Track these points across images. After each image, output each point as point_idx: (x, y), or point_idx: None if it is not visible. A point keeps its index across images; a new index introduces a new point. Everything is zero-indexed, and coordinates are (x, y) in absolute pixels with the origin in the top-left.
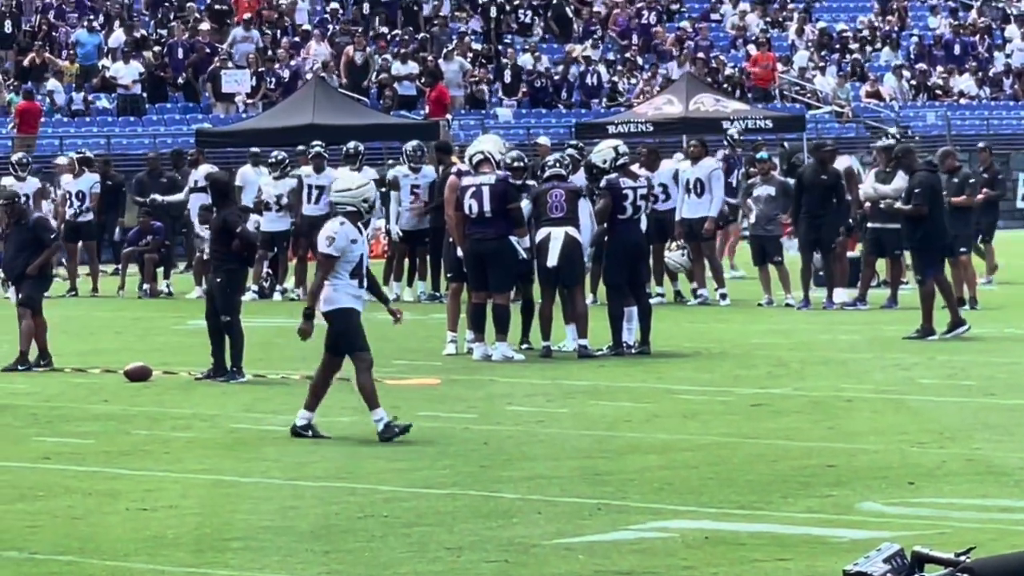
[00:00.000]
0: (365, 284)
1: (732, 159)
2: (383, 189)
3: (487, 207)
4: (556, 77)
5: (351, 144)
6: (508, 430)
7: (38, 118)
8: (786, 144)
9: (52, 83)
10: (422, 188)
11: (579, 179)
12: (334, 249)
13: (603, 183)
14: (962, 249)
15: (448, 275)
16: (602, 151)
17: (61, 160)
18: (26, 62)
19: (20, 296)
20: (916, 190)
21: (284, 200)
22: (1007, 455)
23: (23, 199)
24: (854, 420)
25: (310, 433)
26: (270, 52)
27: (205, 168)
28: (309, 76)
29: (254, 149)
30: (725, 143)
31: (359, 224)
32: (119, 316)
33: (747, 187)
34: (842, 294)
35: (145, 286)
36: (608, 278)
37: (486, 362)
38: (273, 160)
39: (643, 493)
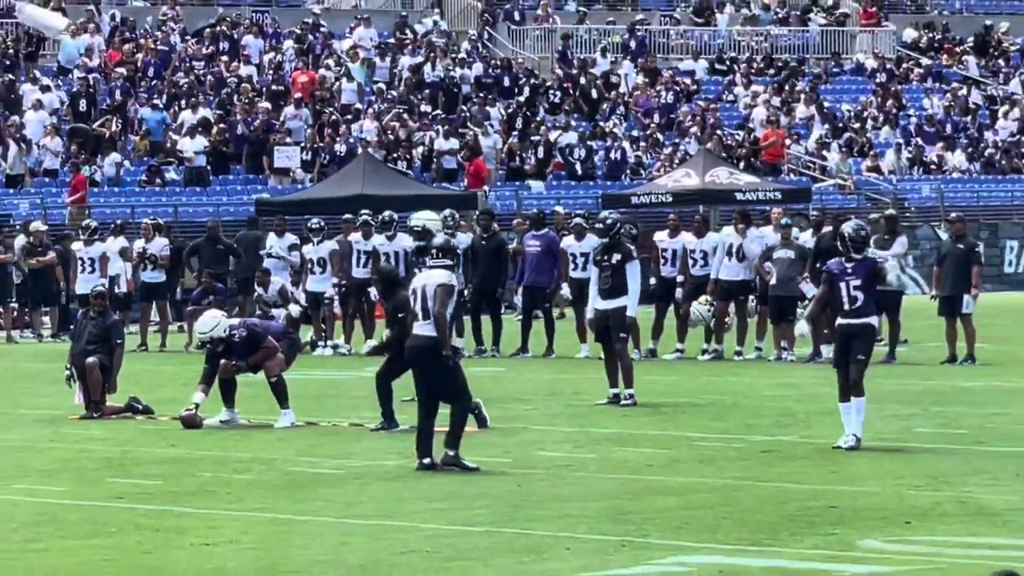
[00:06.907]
0: None
1: None
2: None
3: None
4: (583, 153)
5: (386, 213)
6: (540, 473)
7: (85, 189)
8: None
9: (116, 156)
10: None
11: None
12: None
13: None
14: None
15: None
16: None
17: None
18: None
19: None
20: None
21: (326, 263)
22: (996, 498)
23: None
24: (855, 466)
25: None
26: (326, 130)
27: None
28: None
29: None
30: None
31: None
32: (185, 369)
33: (766, 250)
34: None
35: None
36: None
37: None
38: (315, 227)
39: (663, 531)
